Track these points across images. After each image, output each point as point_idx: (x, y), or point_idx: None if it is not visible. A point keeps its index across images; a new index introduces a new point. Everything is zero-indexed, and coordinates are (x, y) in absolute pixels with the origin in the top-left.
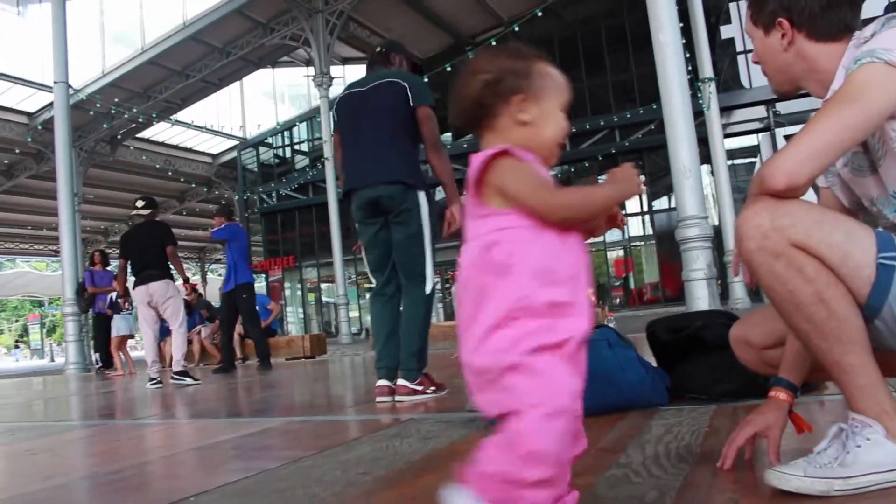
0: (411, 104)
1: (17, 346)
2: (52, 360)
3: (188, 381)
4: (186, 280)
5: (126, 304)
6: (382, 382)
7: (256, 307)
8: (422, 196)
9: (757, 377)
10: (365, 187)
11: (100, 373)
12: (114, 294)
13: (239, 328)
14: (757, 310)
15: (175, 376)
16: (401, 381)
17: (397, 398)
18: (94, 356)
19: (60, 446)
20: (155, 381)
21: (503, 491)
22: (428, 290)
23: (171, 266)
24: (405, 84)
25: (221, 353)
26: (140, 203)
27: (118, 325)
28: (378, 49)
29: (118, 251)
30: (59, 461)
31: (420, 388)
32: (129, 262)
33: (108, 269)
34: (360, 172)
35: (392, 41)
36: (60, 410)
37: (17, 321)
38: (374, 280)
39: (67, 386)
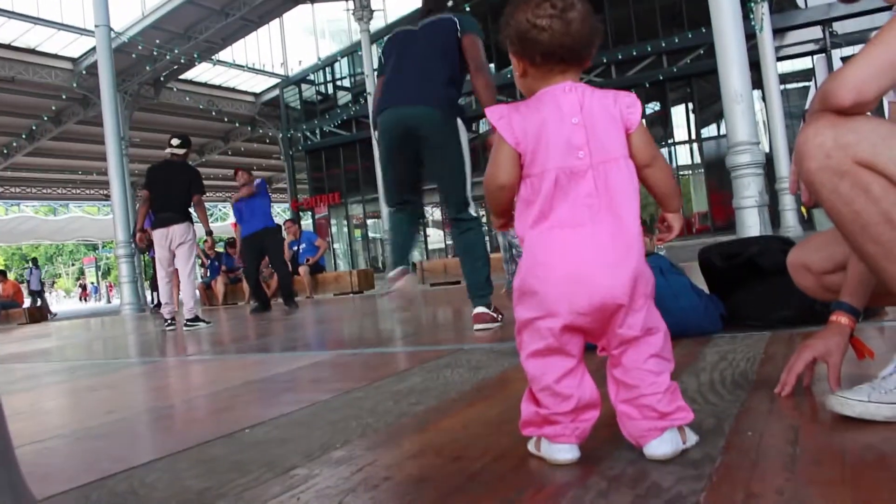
0: (459, 35)
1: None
2: (109, 301)
3: (201, 325)
4: (210, 233)
5: (142, 240)
6: (396, 270)
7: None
8: (461, 124)
9: (814, 303)
10: (402, 105)
11: (155, 312)
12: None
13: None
14: (816, 234)
15: (187, 323)
16: (479, 309)
17: (476, 327)
18: (153, 296)
19: (119, 383)
20: (169, 324)
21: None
22: (474, 213)
23: (196, 214)
24: (454, 18)
25: (251, 294)
26: (175, 141)
27: None
28: None
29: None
30: (119, 396)
31: (497, 315)
32: (151, 198)
33: None
34: (399, 92)
35: None
36: (118, 349)
37: (73, 265)
38: (390, 198)
39: (124, 326)
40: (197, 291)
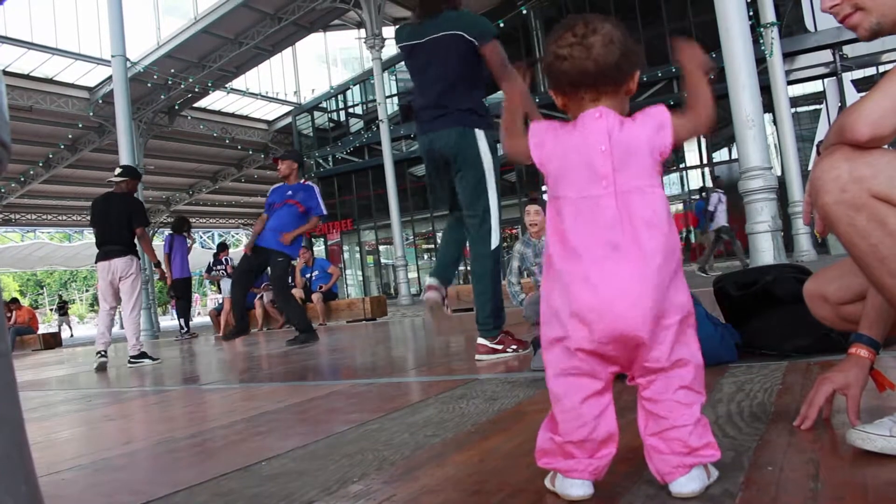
0: (477, 45)
1: None
2: (122, 327)
3: (146, 361)
4: (158, 265)
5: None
6: (430, 281)
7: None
8: (480, 135)
9: (830, 332)
10: (424, 133)
11: (181, 338)
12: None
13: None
14: (833, 264)
15: (132, 360)
16: (480, 341)
17: (477, 357)
18: (179, 322)
19: (135, 412)
20: (100, 355)
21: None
22: (494, 244)
23: (140, 247)
24: (461, 33)
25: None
26: (117, 170)
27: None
28: None
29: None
30: (136, 426)
31: (500, 346)
32: (95, 232)
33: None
34: (421, 118)
35: None
36: (133, 376)
37: (87, 291)
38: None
39: None
40: (139, 327)
